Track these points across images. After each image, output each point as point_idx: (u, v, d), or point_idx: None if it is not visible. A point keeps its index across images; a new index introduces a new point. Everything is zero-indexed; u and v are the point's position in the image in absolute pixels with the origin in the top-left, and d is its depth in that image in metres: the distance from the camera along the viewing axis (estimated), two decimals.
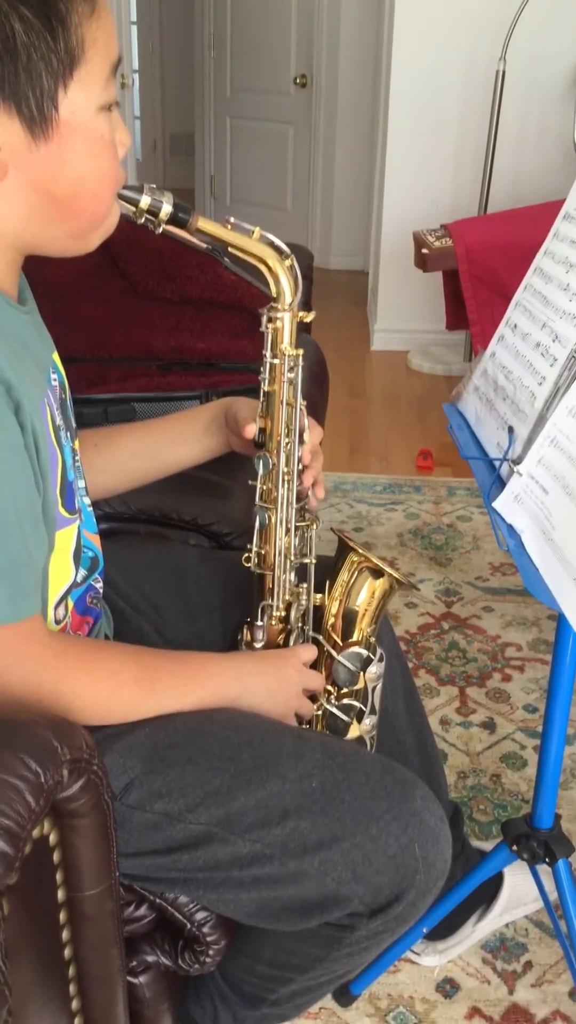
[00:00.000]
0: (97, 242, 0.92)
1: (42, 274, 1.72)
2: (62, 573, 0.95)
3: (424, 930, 1.33)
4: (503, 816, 1.65)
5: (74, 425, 1.02)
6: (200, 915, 0.99)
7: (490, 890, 1.39)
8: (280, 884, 0.92)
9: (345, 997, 1.34)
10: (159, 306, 1.85)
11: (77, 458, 1.02)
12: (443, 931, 1.39)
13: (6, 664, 0.83)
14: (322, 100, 5.17)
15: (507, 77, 3.51)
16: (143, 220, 0.96)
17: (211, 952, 1.00)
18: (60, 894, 0.79)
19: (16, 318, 0.89)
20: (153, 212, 0.95)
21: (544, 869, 1.24)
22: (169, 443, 1.19)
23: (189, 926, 0.99)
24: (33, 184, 0.83)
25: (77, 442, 1.02)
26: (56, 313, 1.79)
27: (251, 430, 1.08)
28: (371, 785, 0.93)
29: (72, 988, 0.85)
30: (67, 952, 0.82)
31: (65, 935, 0.81)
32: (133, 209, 0.94)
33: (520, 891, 1.40)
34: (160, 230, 0.96)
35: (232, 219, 1.00)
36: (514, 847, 1.23)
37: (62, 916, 0.80)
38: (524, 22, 3.37)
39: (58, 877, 0.78)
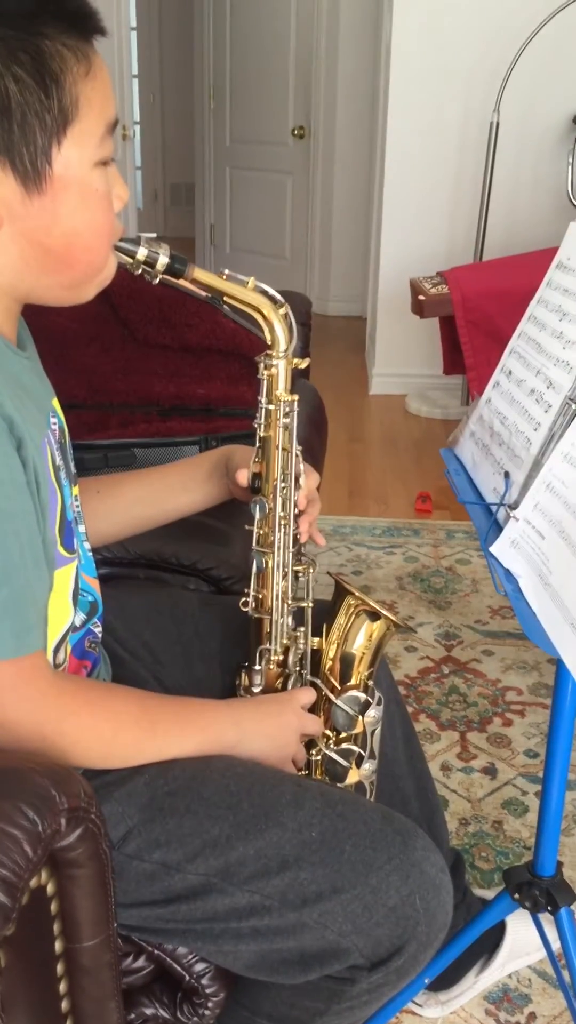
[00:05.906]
0: (93, 292, 0.93)
1: (43, 322, 1.74)
2: (60, 614, 0.95)
3: (426, 981, 1.31)
4: (505, 863, 1.64)
5: (74, 471, 1.02)
6: (199, 967, 0.97)
7: (492, 940, 1.37)
8: (279, 936, 0.91)
9: None
10: (159, 353, 1.87)
11: (77, 503, 1.03)
12: (445, 982, 1.37)
13: (9, 700, 0.82)
14: (320, 151, 5.27)
15: (501, 128, 3.58)
16: (140, 271, 0.97)
17: (210, 1005, 0.98)
18: (57, 945, 0.78)
19: (16, 362, 0.90)
20: (150, 263, 0.96)
21: (547, 917, 1.23)
22: (172, 490, 1.20)
23: (188, 978, 0.97)
24: (27, 236, 0.84)
25: (77, 488, 1.03)
26: (57, 360, 1.81)
27: (243, 476, 1.09)
28: (371, 835, 0.92)
29: None
30: (64, 1005, 0.81)
31: (62, 987, 0.80)
32: (130, 260, 0.96)
33: (523, 940, 1.38)
34: (157, 280, 0.98)
35: (227, 271, 1.02)
36: (516, 895, 1.21)
37: (59, 968, 0.79)
38: (517, 75, 3.45)
39: (55, 928, 0.77)
